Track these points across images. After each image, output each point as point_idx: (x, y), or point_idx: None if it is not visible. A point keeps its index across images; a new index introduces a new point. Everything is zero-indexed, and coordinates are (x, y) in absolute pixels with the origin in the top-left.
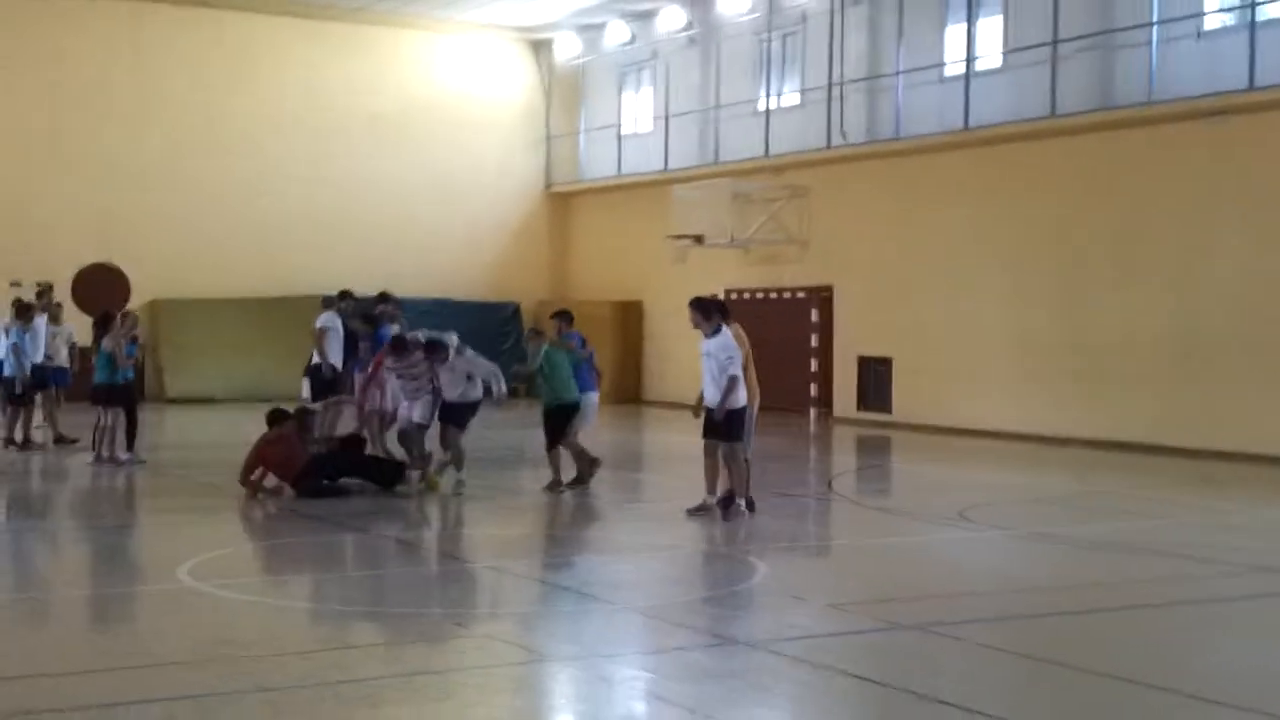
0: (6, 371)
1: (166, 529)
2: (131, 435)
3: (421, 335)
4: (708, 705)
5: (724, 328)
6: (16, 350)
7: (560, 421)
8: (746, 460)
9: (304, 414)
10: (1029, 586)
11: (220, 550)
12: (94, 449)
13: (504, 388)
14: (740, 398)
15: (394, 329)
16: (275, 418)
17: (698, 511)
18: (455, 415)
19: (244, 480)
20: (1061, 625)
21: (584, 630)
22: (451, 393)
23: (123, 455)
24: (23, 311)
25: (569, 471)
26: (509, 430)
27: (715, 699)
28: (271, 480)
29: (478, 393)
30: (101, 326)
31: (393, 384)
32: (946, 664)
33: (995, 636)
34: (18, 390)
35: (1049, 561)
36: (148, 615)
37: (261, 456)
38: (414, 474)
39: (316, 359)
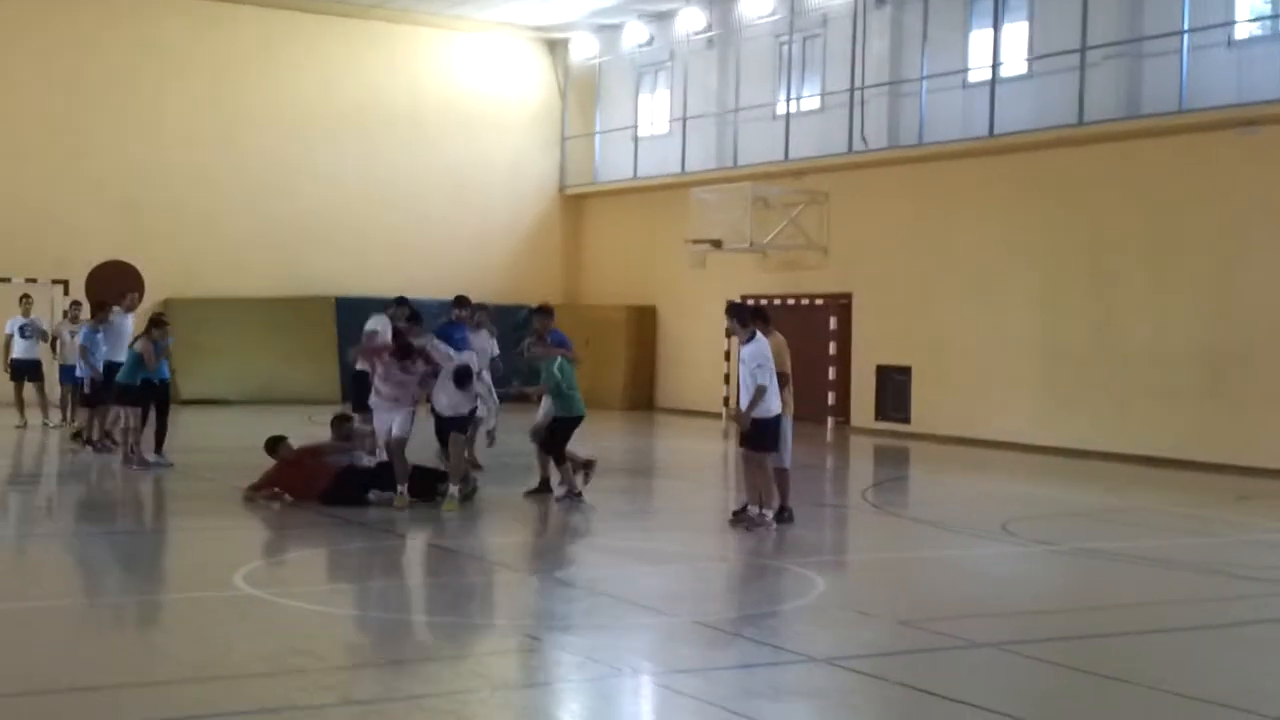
0: (78, 372)
1: (210, 534)
2: (160, 437)
3: (449, 353)
4: None
5: (758, 335)
6: (84, 351)
7: (569, 433)
8: (784, 470)
9: (342, 422)
10: (1092, 604)
11: (271, 557)
12: (122, 450)
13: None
14: (770, 407)
15: (480, 333)
16: (271, 445)
17: (747, 521)
18: (453, 426)
19: (249, 494)
20: (1135, 644)
21: (656, 644)
22: (441, 405)
23: (150, 456)
24: (97, 310)
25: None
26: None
27: (805, 718)
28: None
29: (470, 407)
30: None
31: (384, 372)
32: (1028, 684)
33: (1071, 655)
34: (87, 390)
35: (1105, 578)
36: (214, 623)
37: (278, 479)
38: (452, 486)
39: (362, 365)
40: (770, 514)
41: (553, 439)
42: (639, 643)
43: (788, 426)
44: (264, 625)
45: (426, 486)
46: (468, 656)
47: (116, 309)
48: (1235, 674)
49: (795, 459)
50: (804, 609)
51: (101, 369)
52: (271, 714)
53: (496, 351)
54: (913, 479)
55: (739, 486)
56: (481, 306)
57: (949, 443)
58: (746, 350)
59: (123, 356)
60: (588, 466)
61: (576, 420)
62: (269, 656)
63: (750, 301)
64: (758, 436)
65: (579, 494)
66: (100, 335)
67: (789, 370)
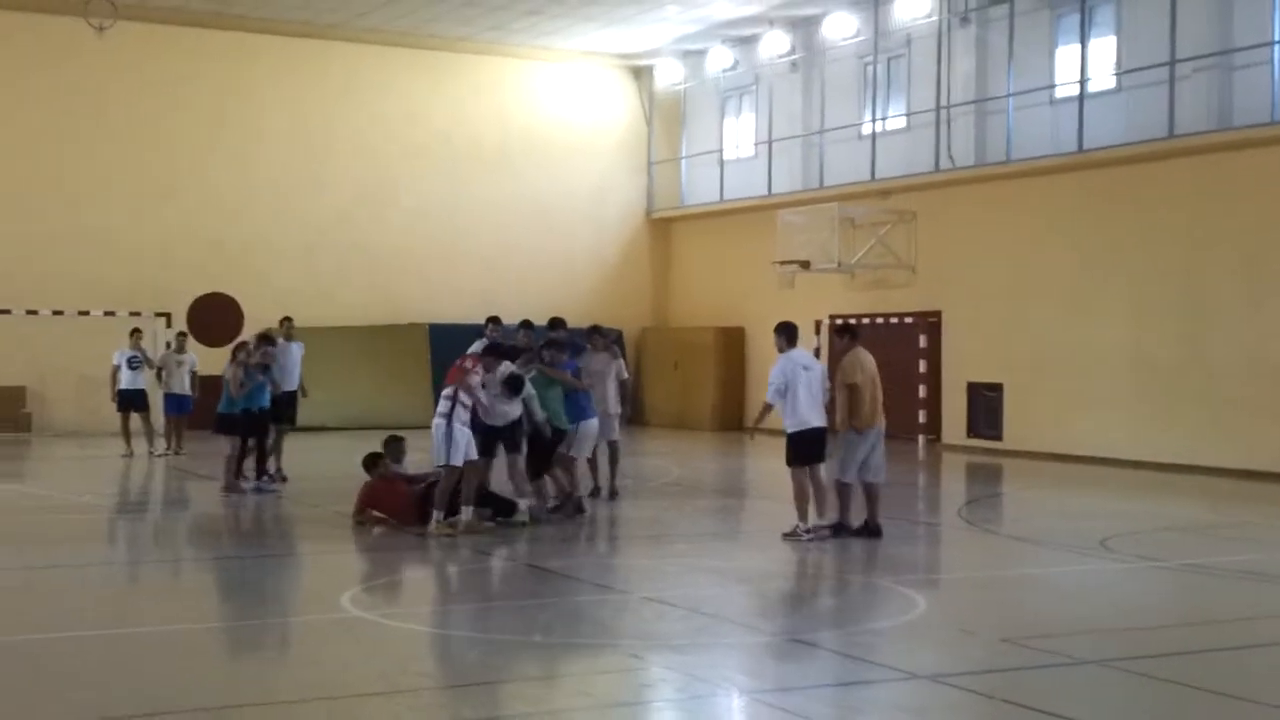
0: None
1: (315, 559)
2: (259, 463)
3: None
4: None
5: (788, 354)
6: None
7: (545, 448)
8: (845, 484)
9: (394, 443)
10: (1197, 619)
11: (374, 580)
12: (225, 478)
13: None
14: (790, 422)
15: (600, 356)
16: (371, 461)
17: (790, 535)
18: (502, 436)
19: (356, 518)
20: (1241, 659)
21: (760, 663)
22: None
23: (245, 484)
24: (262, 341)
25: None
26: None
27: None
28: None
29: (517, 414)
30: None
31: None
32: (1134, 700)
33: (1177, 671)
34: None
35: (1208, 594)
36: (325, 645)
37: (371, 499)
38: (523, 504)
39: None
40: (803, 526)
41: (530, 452)
42: (741, 661)
43: (854, 441)
44: (373, 646)
45: (503, 509)
46: (572, 675)
47: (281, 339)
48: None
49: (889, 476)
50: (904, 627)
51: (267, 401)
52: None
53: (626, 375)
54: (1007, 496)
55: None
56: (597, 330)
57: (1042, 459)
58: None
59: (293, 385)
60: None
61: (553, 435)
62: (380, 677)
63: (840, 320)
64: (787, 449)
65: (553, 510)
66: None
67: (858, 382)
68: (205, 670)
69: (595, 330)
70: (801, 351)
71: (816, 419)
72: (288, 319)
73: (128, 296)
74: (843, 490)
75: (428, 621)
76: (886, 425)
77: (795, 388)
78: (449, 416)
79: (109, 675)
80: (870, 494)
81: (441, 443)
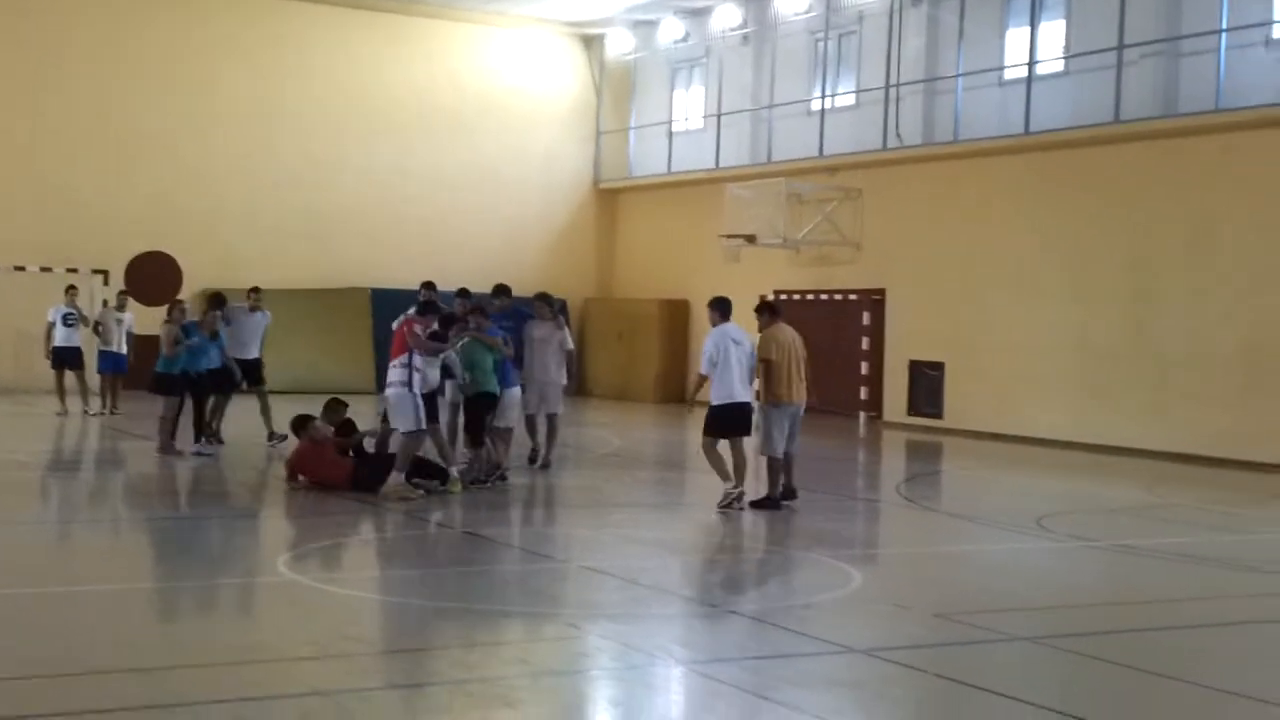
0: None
1: (250, 521)
2: (196, 425)
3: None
4: (839, 715)
5: (721, 328)
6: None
7: (479, 412)
8: (775, 457)
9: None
10: (1126, 599)
11: (309, 544)
12: (159, 439)
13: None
14: (712, 393)
15: (546, 324)
16: (299, 424)
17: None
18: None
19: (288, 482)
20: (1169, 638)
21: (696, 634)
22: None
23: (187, 446)
24: (212, 305)
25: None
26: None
27: (846, 708)
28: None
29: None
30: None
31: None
32: (1066, 677)
33: (1106, 649)
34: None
35: (1139, 574)
36: (260, 608)
37: (297, 463)
38: (453, 470)
39: None
40: (730, 485)
41: (467, 418)
42: (677, 632)
43: (773, 415)
44: (308, 610)
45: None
46: (509, 643)
47: (239, 305)
48: (1267, 669)
49: (829, 452)
50: (840, 601)
51: (213, 363)
52: (321, 696)
53: (570, 346)
54: (946, 474)
55: (758, 478)
56: (543, 298)
57: (982, 438)
58: None
59: (253, 353)
60: (497, 468)
61: (480, 399)
62: (315, 641)
63: (774, 296)
64: (706, 420)
65: (502, 475)
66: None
67: (773, 359)
68: (139, 631)
69: (541, 297)
70: (733, 325)
71: (743, 393)
72: (255, 289)
73: (65, 253)
74: (772, 464)
75: (363, 586)
76: (827, 401)
77: (727, 360)
78: (409, 384)
79: (41, 633)
80: (787, 462)
81: (411, 409)
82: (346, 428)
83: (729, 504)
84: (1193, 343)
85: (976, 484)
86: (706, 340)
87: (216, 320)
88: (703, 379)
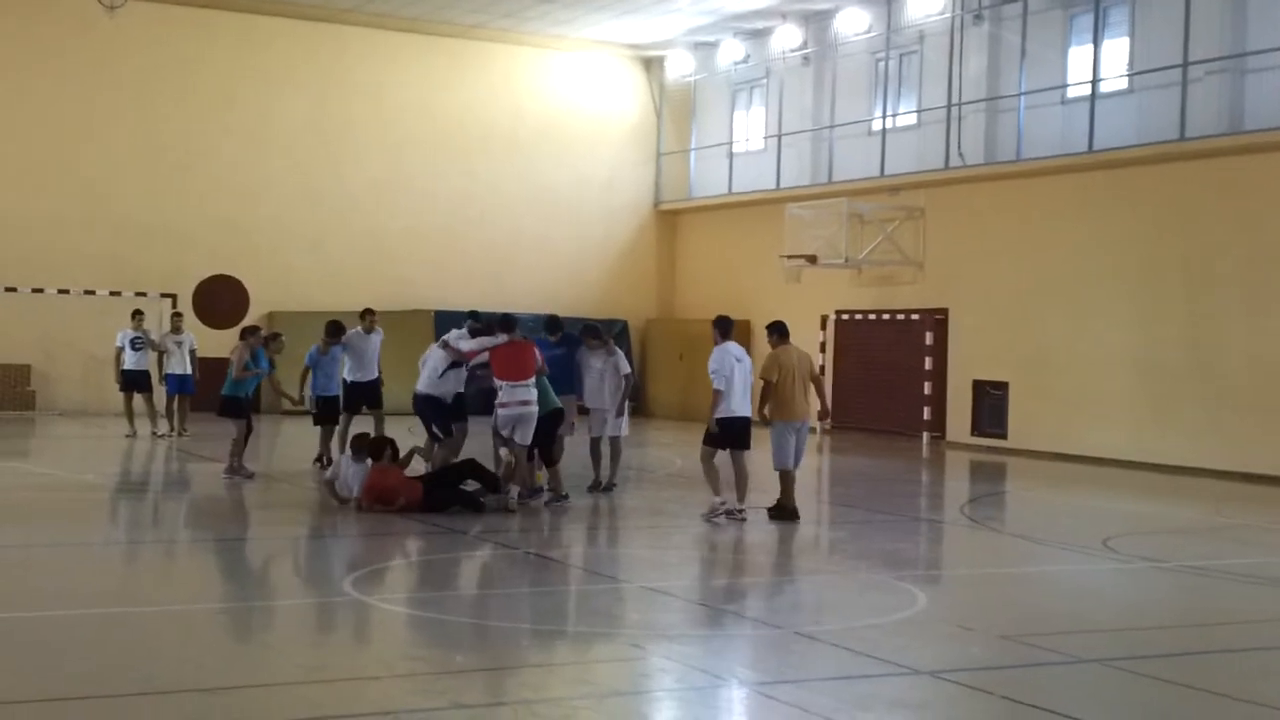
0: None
1: (318, 542)
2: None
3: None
4: None
5: (723, 345)
6: (306, 371)
7: (544, 431)
8: (785, 471)
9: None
10: (1197, 620)
11: (375, 565)
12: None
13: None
14: (721, 408)
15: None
16: (376, 448)
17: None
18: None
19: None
20: (1240, 660)
21: (760, 655)
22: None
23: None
24: (337, 332)
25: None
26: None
27: None
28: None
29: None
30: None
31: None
32: (1135, 700)
33: (1177, 672)
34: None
35: (1209, 595)
36: (327, 628)
37: (368, 488)
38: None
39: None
40: (719, 503)
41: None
42: (741, 653)
43: (778, 430)
44: (374, 630)
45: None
46: (574, 664)
47: (355, 329)
48: None
49: (893, 472)
50: (905, 622)
51: (336, 388)
52: (387, 717)
53: (628, 369)
54: (1010, 494)
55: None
56: (592, 332)
57: (1046, 458)
58: None
59: (373, 374)
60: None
61: (548, 417)
62: (382, 661)
63: (846, 315)
64: (707, 433)
65: (538, 493)
66: (329, 356)
67: (772, 379)
68: (203, 651)
69: (589, 331)
70: (734, 344)
71: (743, 408)
72: (369, 310)
73: (134, 276)
74: (784, 476)
75: (429, 606)
76: (890, 421)
77: (731, 377)
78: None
79: (107, 653)
80: (787, 479)
81: (534, 426)
82: (393, 453)
83: (714, 516)
84: (1254, 361)
85: (1041, 504)
86: (711, 359)
87: (278, 346)
88: (720, 395)
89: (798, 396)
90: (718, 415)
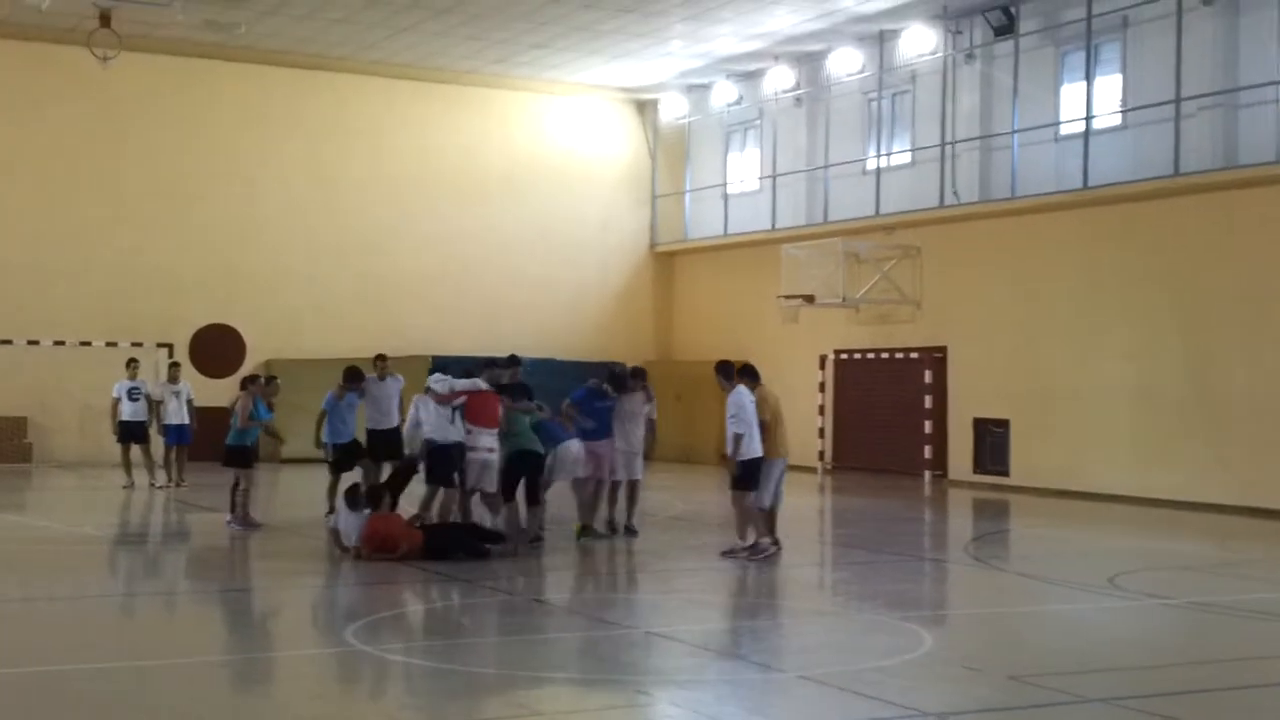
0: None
1: (318, 592)
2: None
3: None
4: None
5: (738, 389)
6: (323, 416)
7: (517, 473)
8: (763, 509)
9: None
10: (1205, 658)
11: (378, 614)
12: (239, 512)
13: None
14: (745, 450)
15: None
16: (373, 497)
17: (730, 554)
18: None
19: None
20: (1250, 698)
21: (768, 700)
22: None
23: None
24: (355, 379)
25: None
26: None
27: None
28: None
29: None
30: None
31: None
32: None
33: (1186, 710)
34: (329, 457)
35: (1217, 632)
36: (329, 679)
37: (368, 537)
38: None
39: None
40: (743, 545)
41: (505, 479)
42: (748, 698)
43: (772, 468)
44: (377, 681)
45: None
46: (580, 711)
47: (371, 376)
48: None
49: (894, 512)
50: (911, 664)
51: (351, 434)
52: None
53: (654, 415)
54: (1014, 532)
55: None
56: (638, 374)
57: (1049, 495)
58: (727, 401)
59: (392, 422)
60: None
61: (520, 457)
62: (384, 712)
63: (844, 354)
64: (737, 477)
65: (538, 539)
66: (345, 402)
67: (768, 419)
68: (207, 704)
69: (635, 374)
70: (742, 387)
71: (760, 448)
72: (382, 356)
73: (131, 327)
74: (760, 515)
75: (432, 655)
76: (891, 461)
77: (750, 419)
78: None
79: (110, 709)
80: (771, 514)
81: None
82: (392, 500)
83: (755, 555)
84: (1254, 395)
85: (1046, 542)
86: (732, 401)
87: (273, 391)
88: (740, 439)
89: (783, 435)
90: (749, 456)
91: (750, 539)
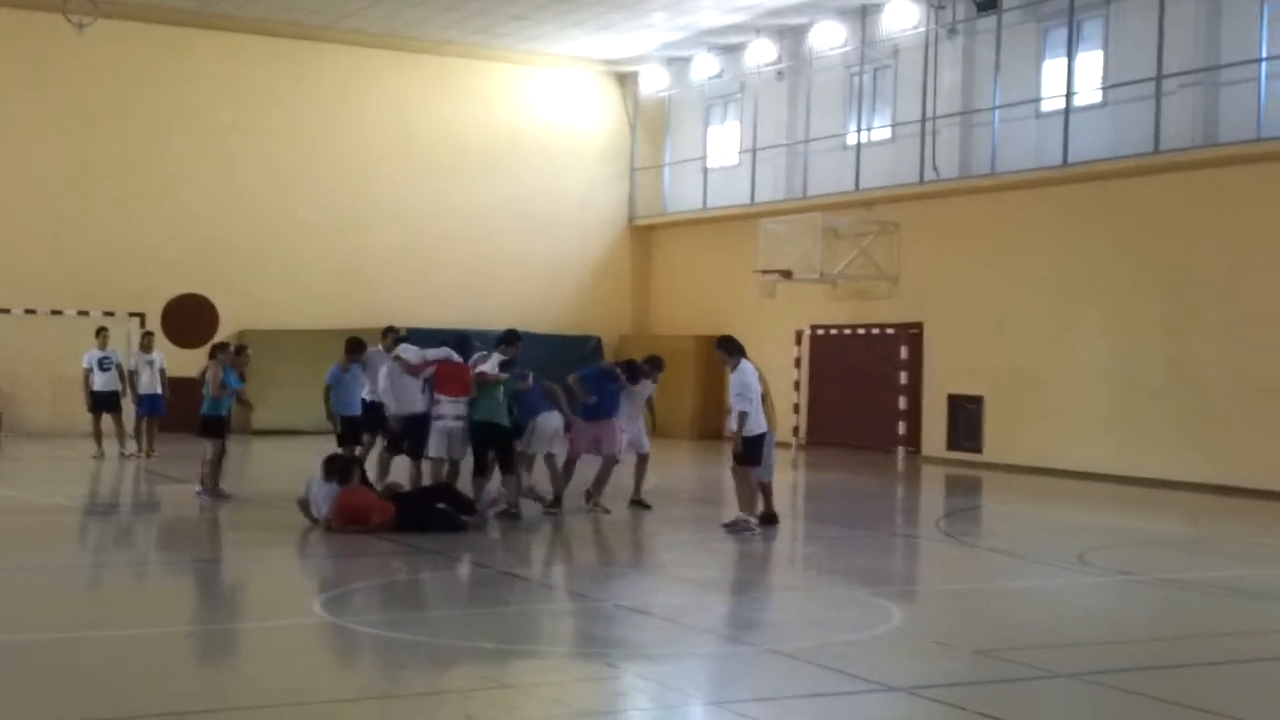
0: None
1: (288, 563)
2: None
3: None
4: None
5: (742, 364)
6: (329, 390)
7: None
8: (764, 484)
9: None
10: (1172, 634)
11: (347, 586)
12: (208, 483)
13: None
14: (752, 426)
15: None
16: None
17: (732, 526)
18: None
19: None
20: (1216, 674)
21: (736, 673)
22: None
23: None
24: (357, 350)
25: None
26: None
27: None
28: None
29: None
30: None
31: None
32: (1112, 715)
33: (1152, 686)
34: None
35: (1184, 608)
36: (298, 651)
37: (338, 510)
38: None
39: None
40: (754, 520)
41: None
42: (716, 671)
43: (768, 443)
44: (346, 652)
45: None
46: (547, 683)
47: (376, 348)
48: None
49: (868, 488)
50: (880, 638)
51: (358, 407)
52: None
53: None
54: (986, 509)
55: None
56: (655, 364)
57: (1022, 473)
58: (732, 378)
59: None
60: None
61: (478, 428)
62: (352, 683)
63: (820, 330)
64: (742, 452)
65: (514, 512)
66: (350, 374)
67: (765, 391)
68: (177, 674)
69: (652, 362)
70: (746, 363)
71: (764, 424)
72: (391, 329)
73: (103, 296)
74: (767, 486)
75: (401, 627)
76: (865, 436)
77: (755, 396)
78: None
79: (80, 678)
80: (767, 488)
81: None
82: (362, 474)
83: (744, 530)
84: (1232, 374)
85: (1017, 519)
86: (739, 379)
87: (243, 362)
88: (745, 415)
89: (774, 408)
90: (757, 431)
91: (760, 509)
